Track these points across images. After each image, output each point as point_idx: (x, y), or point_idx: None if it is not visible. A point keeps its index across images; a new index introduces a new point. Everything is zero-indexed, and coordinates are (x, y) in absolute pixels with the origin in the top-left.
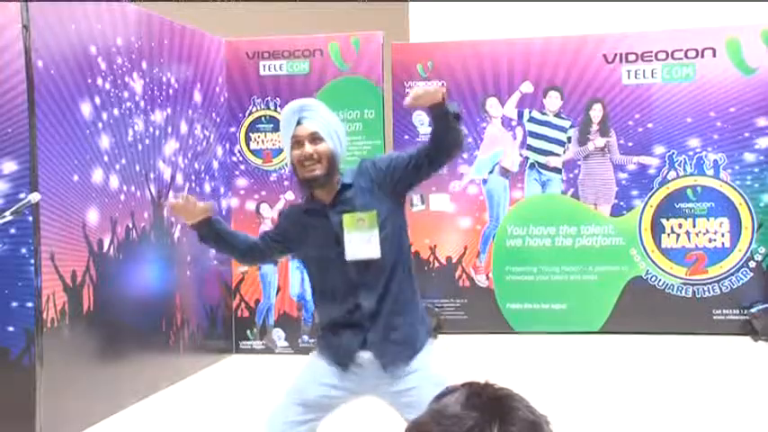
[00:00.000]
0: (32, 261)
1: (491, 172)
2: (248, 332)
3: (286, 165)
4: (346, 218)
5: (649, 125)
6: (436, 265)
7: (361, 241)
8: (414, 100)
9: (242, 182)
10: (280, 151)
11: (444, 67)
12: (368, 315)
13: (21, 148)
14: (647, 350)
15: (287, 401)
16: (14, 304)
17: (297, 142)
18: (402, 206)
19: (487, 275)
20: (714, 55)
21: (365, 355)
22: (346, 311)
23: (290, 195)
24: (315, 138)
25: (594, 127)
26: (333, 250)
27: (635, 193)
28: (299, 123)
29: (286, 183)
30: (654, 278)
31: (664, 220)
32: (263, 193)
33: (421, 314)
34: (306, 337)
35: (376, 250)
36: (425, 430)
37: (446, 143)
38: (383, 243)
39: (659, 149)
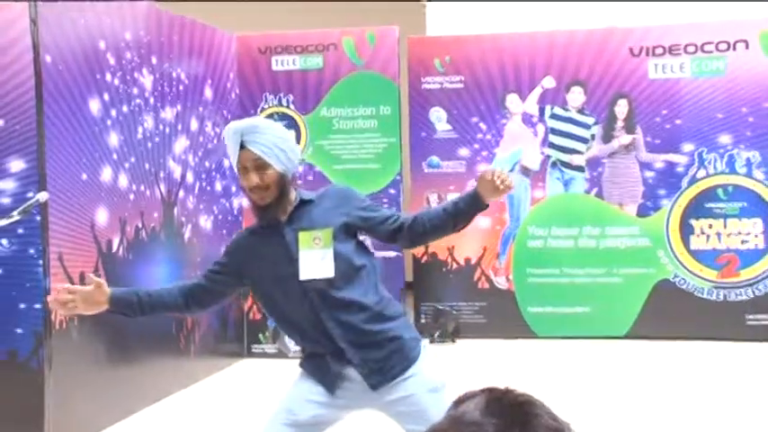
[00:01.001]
0: (40, 262)
1: (511, 170)
2: (260, 335)
3: (300, 163)
4: (302, 236)
5: (677, 121)
6: (454, 266)
7: (315, 260)
8: (494, 186)
9: None
10: None
11: (462, 62)
12: (341, 339)
13: (29, 146)
14: (674, 356)
15: (276, 422)
16: (22, 306)
17: (242, 168)
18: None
19: (508, 277)
20: (747, 48)
21: (352, 372)
22: (316, 341)
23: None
24: (259, 165)
25: (620, 123)
26: (287, 270)
27: (662, 192)
28: (242, 147)
29: (299, 182)
30: (682, 281)
31: (693, 221)
32: None
33: (403, 321)
34: None
35: (330, 269)
36: None
37: (439, 237)
38: (337, 260)
39: (688, 147)
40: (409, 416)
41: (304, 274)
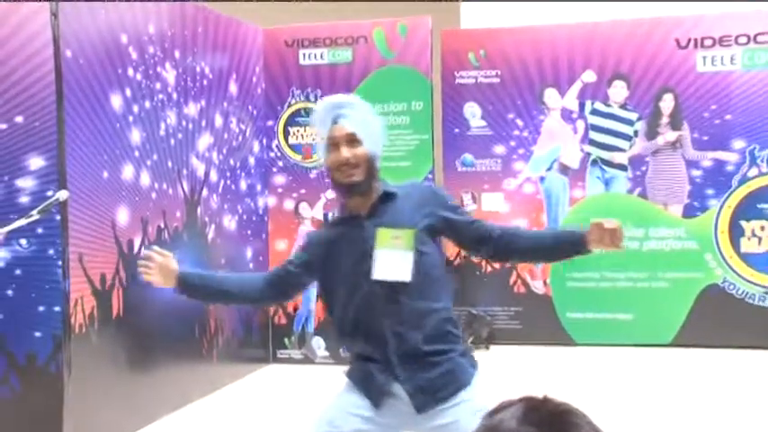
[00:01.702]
0: (60, 263)
1: (549, 169)
2: (286, 340)
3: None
4: (381, 233)
5: (727, 117)
6: (489, 269)
7: (393, 260)
8: (608, 241)
9: (280, 179)
10: None
11: (498, 56)
12: (394, 351)
13: (48, 143)
14: (722, 366)
15: None
16: (41, 308)
17: (332, 144)
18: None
19: (545, 281)
20: None
21: (399, 388)
22: (369, 347)
23: (330, 194)
24: (352, 140)
25: (665, 119)
26: (359, 266)
27: (710, 192)
28: (334, 122)
29: (327, 180)
30: (732, 286)
31: (743, 222)
32: (303, 191)
33: (463, 345)
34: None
35: (406, 273)
36: None
37: (525, 260)
38: (418, 266)
39: (738, 144)
40: None
41: (378, 274)
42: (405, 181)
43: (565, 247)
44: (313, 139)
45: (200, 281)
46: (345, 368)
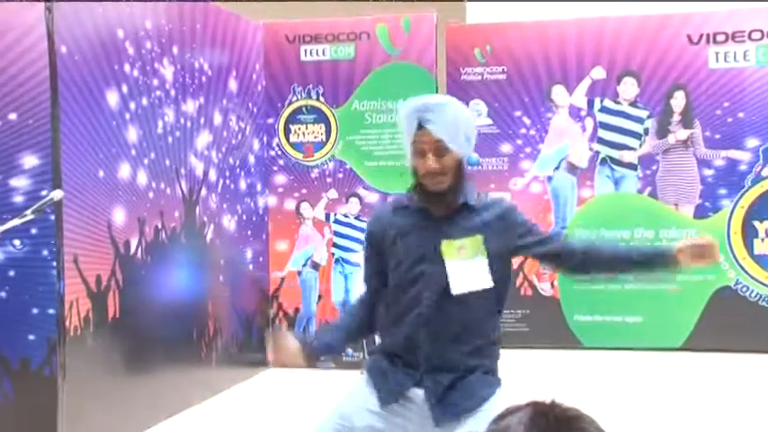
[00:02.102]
0: (55, 264)
1: (557, 168)
2: None
3: (329, 160)
4: (446, 245)
5: (740, 115)
6: None
7: (467, 271)
8: (703, 258)
9: (281, 178)
10: (322, 145)
11: (505, 52)
12: (429, 357)
13: (42, 141)
14: (735, 371)
15: (327, 427)
16: (35, 311)
17: (418, 151)
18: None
19: (552, 283)
20: None
21: (418, 393)
22: (407, 346)
23: (333, 194)
24: (439, 147)
25: (676, 117)
26: (419, 267)
27: (723, 191)
28: (420, 127)
29: (329, 180)
30: (745, 288)
31: (757, 223)
32: (304, 191)
33: (496, 358)
34: (351, 351)
35: (487, 280)
36: None
37: (607, 273)
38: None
39: (752, 142)
40: None
41: (457, 287)
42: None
43: (656, 262)
44: (315, 138)
45: (340, 334)
46: (348, 372)
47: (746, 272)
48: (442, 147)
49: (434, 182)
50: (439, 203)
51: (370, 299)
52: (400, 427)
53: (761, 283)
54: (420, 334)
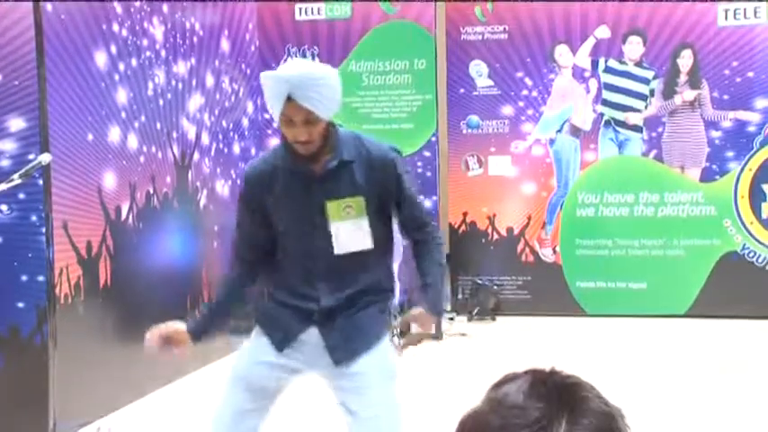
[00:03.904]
0: (43, 230)
1: (559, 131)
2: None
3: None
4: (332, 206)
5: (749, 74)
6: (495, 237)
7: (350, 232)
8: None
9: (275, 141)
10: None
11: (506, 10)
12: (324, 306)
13: (29, 102)
14: (740, 337)
15: (231, 391)
16: (24, 278)
17: (287, 121)
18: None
19: (554, 249)
20: None
21: (312, 333)
22: (300, 295)
23: None
24: (309, 119)
25: (683, 78)
26: (307, 225)
27: (730, 154)
28: (288, 99)
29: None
30: (752, 254)
31: (765, 186)
32: None
33: (388, 303)
34: None
35: (367, 240)
36: (483, 421)
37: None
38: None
39: (761, 103)
40: (350, 392)
41: (340, 248)
42: (406, 143)
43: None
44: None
45: (204, 319)
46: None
47: (754, 236)
48: (311, 118)
49: (303, 148)
50: (312, 165)
51: (247, 256)
52: (297, 372)
53: None
54: (312, 285)
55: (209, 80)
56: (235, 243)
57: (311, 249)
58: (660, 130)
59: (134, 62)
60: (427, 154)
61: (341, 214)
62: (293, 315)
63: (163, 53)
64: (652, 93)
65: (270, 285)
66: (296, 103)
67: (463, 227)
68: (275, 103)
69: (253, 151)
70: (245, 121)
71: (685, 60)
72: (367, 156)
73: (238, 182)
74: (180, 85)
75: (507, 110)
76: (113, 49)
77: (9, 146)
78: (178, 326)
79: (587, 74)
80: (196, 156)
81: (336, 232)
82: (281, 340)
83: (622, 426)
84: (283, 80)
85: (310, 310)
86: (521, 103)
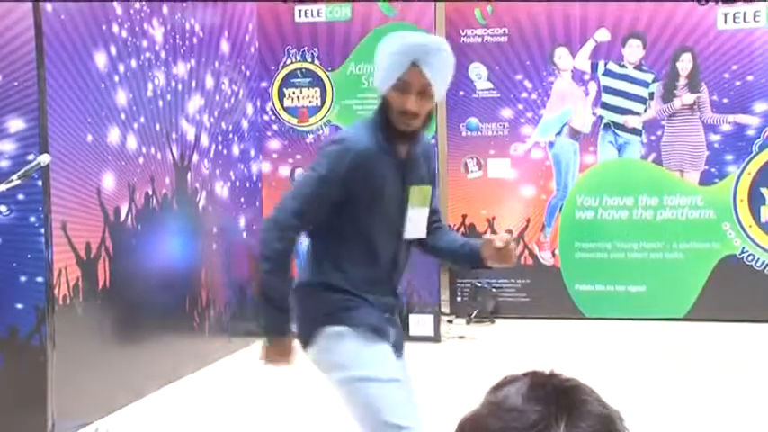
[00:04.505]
0: (42, 231)
1: (559, 133)
2: None
3: (325, 125)
4: (416, 191)
5: (749, 78)
6: None
7: (420, 219)
8: (500, 257)
9: (274, 144)
10: (317, 110)
11: (506, 13)
12: (399, 301)
13: (29, 103)
14: (739, 341)
15: (398, 393)
16: (23, 279)
17: (403, 87)
18: None
19: (553, 252)
20: None
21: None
22: (376, 283)
23: None
24: (425, 91)
25: (682, 81)
26: (396, 209)
27: (729, 157)
28: (414, 65)
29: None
30: (751, 257)
31: (764, 190)
32: (299, 156)
33: None
34: None
35: (424, 230)
36: (482, 424)
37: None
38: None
39: (760, 107)
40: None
41: (409, 233)
42: None
43: (464, 258)
44: (310, 102)
45: (287, 313)
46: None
47: (753, 240)
48: (428, 91)
49: (406, 122)
50: (403, 144)
51: (304, 228)
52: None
53: (767, 251)
54: (389, 272)
55: (209, 81)
56: (296, 213)
57: (392, 236)
58: (659, 133)
59: (134, 63)
60: None
61: (418, 200)
62: (377, 310)
63: (162, 54)
64: (651, 96)
65: (330, 270)
66: (419, 69)
67: (462, 229)
68: (397, 66)
69: (252, 153)
70: (245, 123)
71: (685, 64)
72: (425, 146)
73: (237, 183)
74: (179, 87)
75: (507, 112)
76: (113, 50)
77: (8, 146)
78: (291, 346)
79: (587, 77)
80: (195, 157)
81: (411, 218)
82: (395, 344)
83: (621, 428)
84: (417, 45)
85: (389, 304)
86: (520, 106)
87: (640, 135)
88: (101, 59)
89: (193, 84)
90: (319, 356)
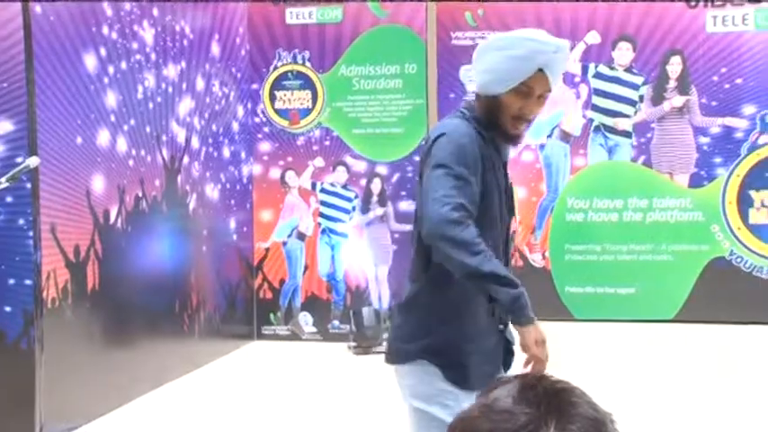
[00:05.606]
0: (31, 233)
1: (549, 136)
2: (271, 316)
3: (316, 127)
4: (513, 191)
5: (738, 81)
6: None
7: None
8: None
9: (265, 146)
10: (308, 112)
11: (496, 15)
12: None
13: (17, 105)
14: (728, 342)
15: None
16: (11, 282)
17: (528, 93)
18: None
19: (544, 255)
20: None
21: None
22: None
23: (319, 162)
24: (543, 96)
25: (672, 84)
26: (500, 205)
27: (718, 160)
28: (541, 70)
29: (315, 147)
30: (739, 259)
31: (752, 192)
32: (290, 159)
33: None
34: (336, 323)
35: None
36: (473, 426)
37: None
38: None
39: (749, 109)
40: None
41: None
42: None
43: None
44: (301, 104)
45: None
46: (333, 344)
47: (741, 242)
48: (546, 96)
49: (519, 127)
50: (509, 147)
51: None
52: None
53: (756, 253)
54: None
55: (200, 84)
56: (460, 203)
57: (499, 247)
58: (649, 135)
59: (124, 65)
60: (417, 158)
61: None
62: (487, 356)
63: (153, 56)
64: (641, 98)
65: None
66: (545, 75)
67: None
68: (522, 70)
69: (242, 155)
70: (236, 126)
71: (674, 66)
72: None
73: (227, 186)
74: (170, 89)
75: None
76: (103, 51)
77: None
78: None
79: (577, 79)
80: (186, 159)
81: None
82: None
83: (612, 431)
84: (547, 51)
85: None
86: None
87: (630, 137)
88: (90, 61)
89: (184, 86)
90: (409, 380)
